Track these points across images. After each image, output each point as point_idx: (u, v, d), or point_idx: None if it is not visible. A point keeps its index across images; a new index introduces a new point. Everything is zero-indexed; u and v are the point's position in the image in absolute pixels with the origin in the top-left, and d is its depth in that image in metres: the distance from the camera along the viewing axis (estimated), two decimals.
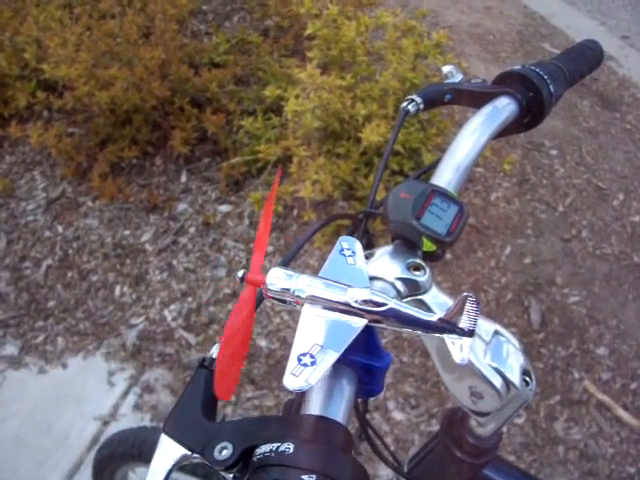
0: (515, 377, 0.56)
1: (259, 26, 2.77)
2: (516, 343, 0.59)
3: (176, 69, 2.22)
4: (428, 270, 0.58)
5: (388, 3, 2.72)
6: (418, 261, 0.58)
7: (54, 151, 2.25)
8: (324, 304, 0.49)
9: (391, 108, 2.12)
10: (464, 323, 0.47)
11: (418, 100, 0.77)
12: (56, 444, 1.71)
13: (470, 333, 0.46)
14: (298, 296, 0.49)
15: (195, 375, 0.50)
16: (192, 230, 2.21)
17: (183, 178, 2.36)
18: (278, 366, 1.87)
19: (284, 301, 0.50)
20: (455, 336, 0.47)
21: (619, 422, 1.80)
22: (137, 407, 1.78)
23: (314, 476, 0.39)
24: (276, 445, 0.41)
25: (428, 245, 0.59)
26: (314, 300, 0.49)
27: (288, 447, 0.41)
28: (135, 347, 1.91)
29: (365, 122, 2.02)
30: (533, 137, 2.69)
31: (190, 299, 2.03)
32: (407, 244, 0.60)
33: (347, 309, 0.49)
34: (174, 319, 1.98)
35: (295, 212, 2.24)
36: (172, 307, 2.01)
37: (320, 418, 0.46)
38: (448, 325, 0.47)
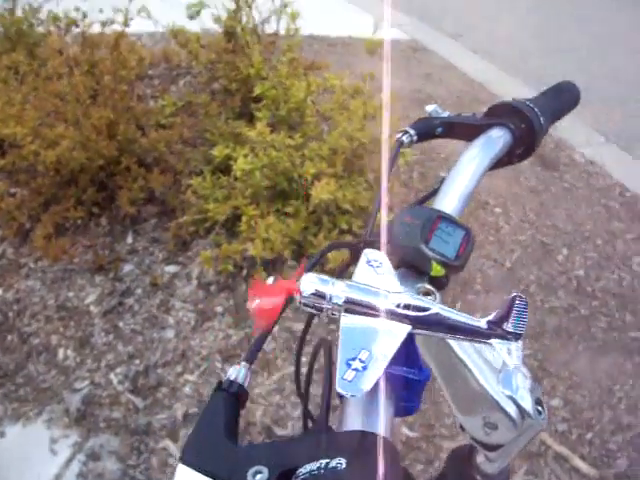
0: (528, 405, 0.54)
1: (205, 89, 2.80)
2: (525, 371, 0.57)
3: (124, 129, 2.21)
4: (438, 295, 0.56)
5: (332, 68, 2.78)
6: (427, 286, 0.55)
7: None
8: (364, 310, 0.47)
9: (340, 167, 2.14)
10: (512, 326, 0.45)
11: (412, 132, 0.78)
12: None
13: (519, 336, 0.45)
14: (335, 303, 0.46)
15: (212, 399, 0.46)
16: (139, 291, 2.15)
17: (129, 239, 2.31)
18: None
19: (320, 309, 0.47)
20: (501, 340, 0.45)
21: (578, 473, 1.79)
22: (82, 475, 1.67)
23: None
24: (324, 462, 0.39)
25: (437, 269, 0.57)
26: (353, 306, 0.47)
27: (340, 462, 0.39)
28: (79, 412, 1.81)
29: (314, 180, 2.03)
30: (477, 196, 2.76)
31: (137, 361, 1.95)
32: (412, 271, 0.59)
33: (388, 315, 0.47)
34: (120, 382, 1.89)
35: (245, 272, 2.21)
36: (118, 370, 1.92)
37: (367, 433, 0.44)
38: (498, 329, 0.45)
